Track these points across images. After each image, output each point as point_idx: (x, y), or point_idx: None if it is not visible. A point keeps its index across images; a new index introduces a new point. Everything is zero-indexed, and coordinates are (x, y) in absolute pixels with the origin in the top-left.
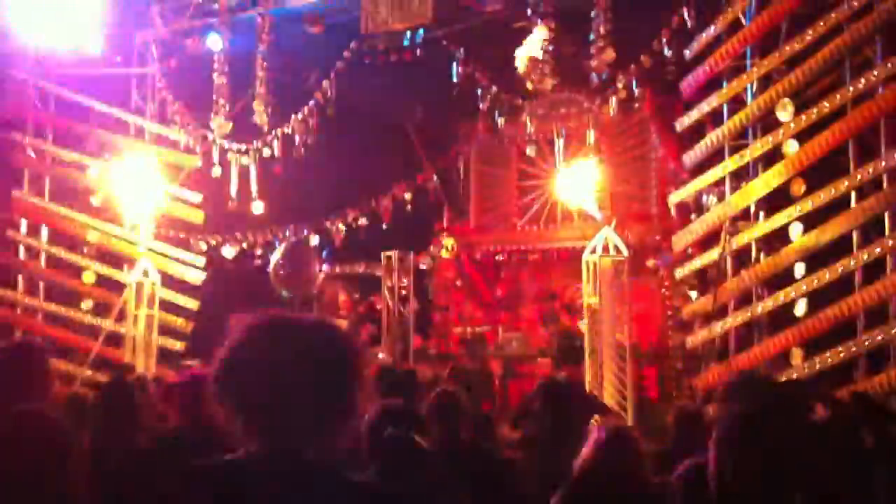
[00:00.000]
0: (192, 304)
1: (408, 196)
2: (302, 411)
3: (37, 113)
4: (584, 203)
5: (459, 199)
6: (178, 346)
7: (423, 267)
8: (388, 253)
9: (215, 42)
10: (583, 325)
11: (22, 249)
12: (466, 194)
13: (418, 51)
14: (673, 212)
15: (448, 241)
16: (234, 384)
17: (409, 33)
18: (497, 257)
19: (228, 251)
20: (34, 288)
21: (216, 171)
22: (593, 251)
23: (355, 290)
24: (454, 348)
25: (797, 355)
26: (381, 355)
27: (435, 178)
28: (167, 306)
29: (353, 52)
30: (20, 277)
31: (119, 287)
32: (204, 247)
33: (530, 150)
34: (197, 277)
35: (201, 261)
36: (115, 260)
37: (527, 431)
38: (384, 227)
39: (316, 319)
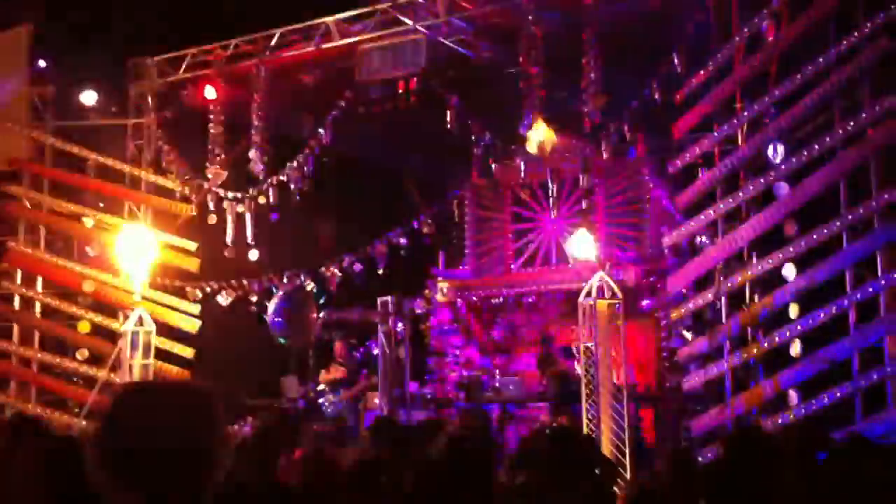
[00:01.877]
0: (187, 352)
1: (403, 241)
2: (172, 470)
3: (33, 164)
4: (579, 249)
5: (454, 244)
6: None
7: (418, 311)
8: (384, 298)
9: (211, 92)
10: (579, 368)
11: (17, 299)
12: (461, 238)
13: (412, 98)
14: (667, 253)
15: (443, 285)
16: (110, 449)
17: (402, 81)
18: (493, 300)
19: (224, 299)
20: (29, 338)
21: (212, 219)
22: (588, 294)
23: (352, 335)
24: (451, 393)
25: (793, 397)
26: (376, 401)
27: (429, 222)
28: (163, 355)
29: (347, 100)
30: (15, 328)
31: (114, 336)
32: (199, 295)
33: (524, 194)
34: (193, 325)
35: (197, 309)
36: (111, 309)
37: (525, 477)
38: (380, 272)
39: (178, 382)
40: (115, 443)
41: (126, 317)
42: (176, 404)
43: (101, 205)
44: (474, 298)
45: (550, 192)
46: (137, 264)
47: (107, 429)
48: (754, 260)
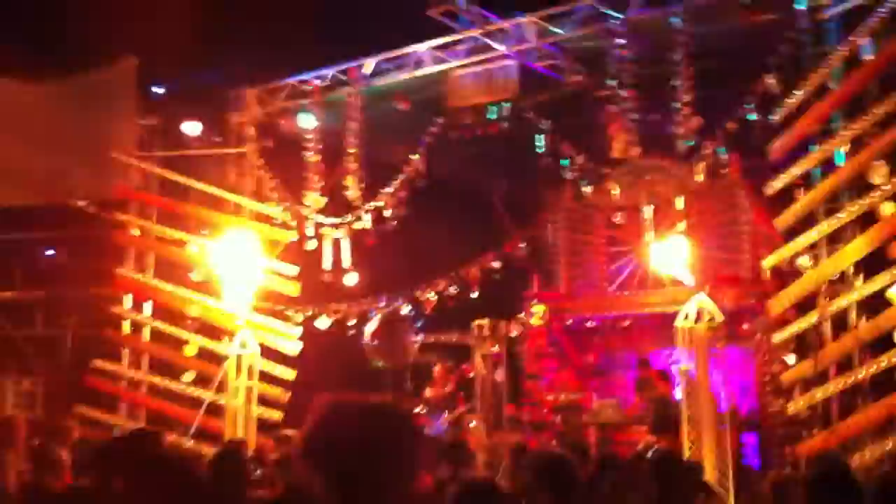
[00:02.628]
0: (289, 374)
1: (496, 264)
2: (373, 480)
3: (140, 193)
4: (675, 271)
5: (548, 267)
6: (276, 416)
7: (513, 335)
8: (480, 321)
9: (308, 121)
10: (678, 392)
11: (126, 324)
12: (555, 261)
13: (504, 123)
14: (767, 276)
15: (538, 309)
16: (316, 459)
17: (493, 107)
18: (588, 324)
19: (323, 322)
20: (138, 361)
21: (311, 245)
22: (686, 317)
23: (448, 358)
24: (547, 416)
25: None
26: (473, 423)
27: (523, 245)
28: (265, 377)
29: (440, 126)
30: (124, 351)
31: (219, 359)
32: (300, 318)
33: (618, 217)
34: (294, 348)
35: (298, 332)
36: (216, 332)
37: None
38: (474, 295)
39: (379, 401)
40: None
41: (231, 340)
42: (384, 426)
43: (205, 232)
44: (569, 322)
45: (645, 214)
46: (238, 277)
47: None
48: (858, 282)
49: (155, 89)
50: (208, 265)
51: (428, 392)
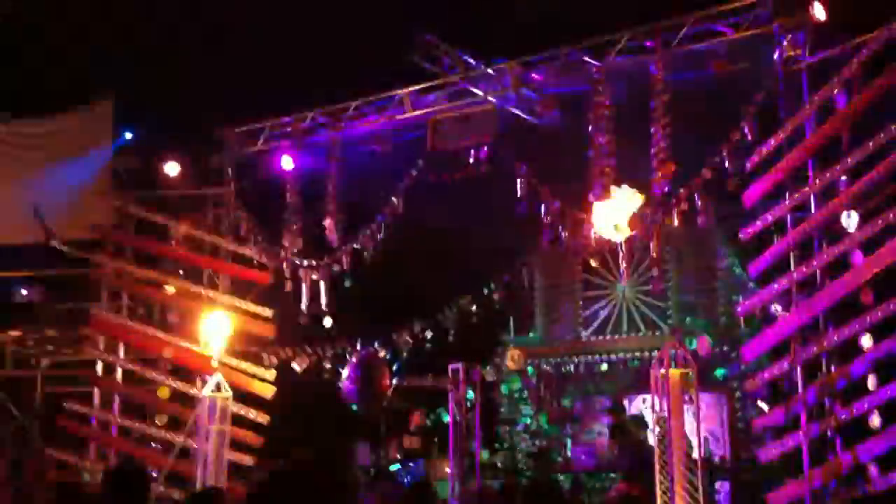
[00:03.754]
0: (262, 418)
1: (473, 308)
2: None
3: (116, 232)
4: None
5: (524, 311)
6: (248, 460)
7: (489, 379)
8: (455, 365)
9: (287, 162)
10: (652, 438)
11: (99, 365)
12: (531, 306)
13: (482, 167)
14: (741, 322)
15: (514, 353)
16: None
17: (472, 150)
18: (563, 368)
19: (298, 365)
20: (109, 402)
21: (288, 286)
22: (661, 362)
23: (423, 403)
24: (522, 462)
25: (872, 470)
26: (447, 470)
27: (500, 290)
28: (238, 420)
29: (419, 169)
30: (96, 392)
31: (192, 402)
32: (275, 361)
33: (594, 261)
34: (267, 391)
35: (272, 375)
36: (189, 375)
37: None
38: (450, 339)
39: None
40: None
41: (204, 382)
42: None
43: (182, 272)
44: (545, 366)
45: (621, 259)
46: (216, 329)
47: None
48: (830, 329)
49: (130, 132)
50: (184, 306)
51: (405, 440)
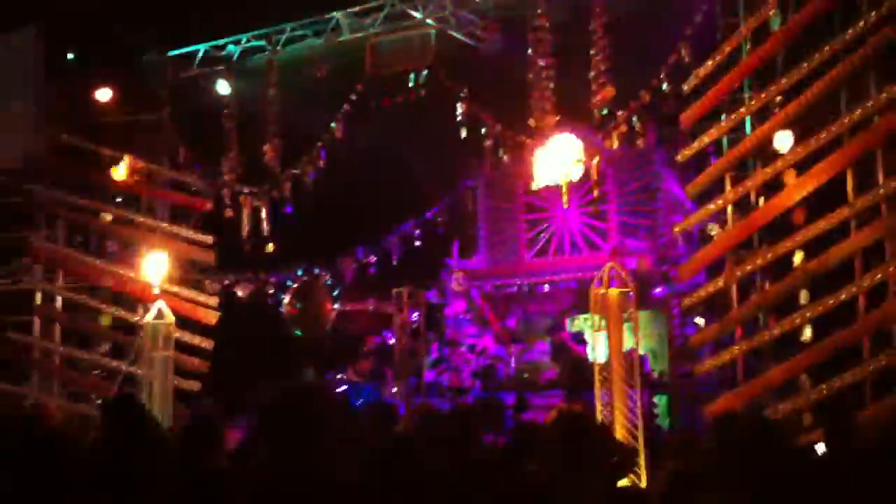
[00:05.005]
0: (207, 343)
1: (417, 232)
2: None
3: (49, 160)
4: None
5: (468, 234)
6: (194, 386)
7: (433, 302)
8: (399, 289)
9: (224, 87)
10: (592, 355)
11: (38, 294)
12: (475, 228)
13: (422, 91)
14: (679, 241)
15: (458, 275)
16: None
17: (412, 74)
18: (507, 290)
19: (241, 291)
20: (51, 332)
21: (228, 214)
22: (600, 282)
23: (368, 326)
24: (467, 382)
25: (804, 381)
26: (394, 390)
27: (443, 213)
28: (183, 347)
29: (358, 93)
30: (36, 321)
31: (135, 329)
32: (218, 287)
33: (535, 184)
34: (211, 318)
35: (215, 301)
36: (131, 303)
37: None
38: (394, 263)
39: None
40: None
41: (146, 310)
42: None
43: (119, 200)
44: (488, 288)
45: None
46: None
47: None
48: (764, 247)
49: (61, 59)
50: (122, 234)
51: (359, 363)
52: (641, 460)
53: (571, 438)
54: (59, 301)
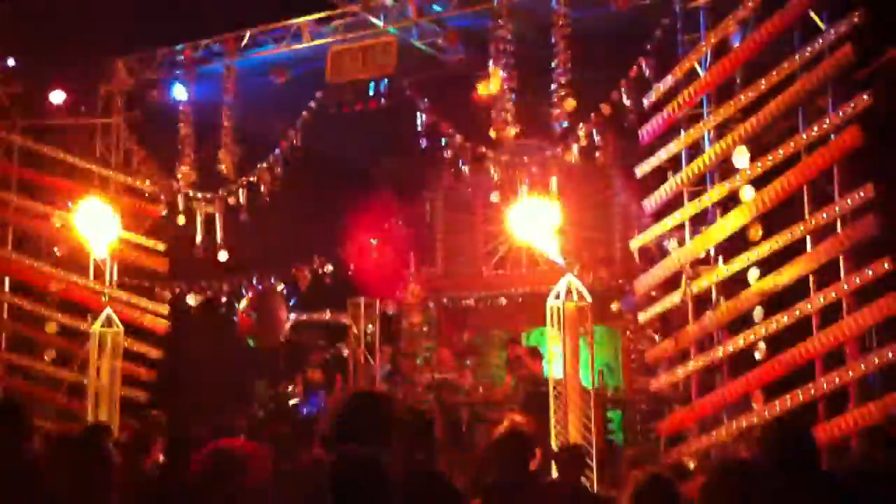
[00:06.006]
0: (155, 353)
1: (374, 242)
2: None
3: (1, 163)
4: (544, 246)
5: (426, 245)
6: (141, 397)
7: (390, 313)
8: (355, 300)
9: (180, 92)
10: (547, 371)
11: None
12: (433, 240)
13: (383, 100)
14: (636, 256)
15: (415, 288)
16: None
17: (373, 83)
18: (464, 302)
19: (193, 299)
20: None
21: (181, 220)
22: (557, 296)
23: (322, 337)
24: (422, 395)
25: (758, 398)
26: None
27: (401, 224)
28: (131, 356)
29: (318, 101)
30: None
31: (82, 337)
32: (169, 295)
33: (495, 197)
34: (160, 326)
35: (165, 309)
36: (79, 310)
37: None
38: (350, 273)
39: None
40: None
41: (94, 318)
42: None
43: (70, 204)
44: (445, 300)
45: (521, 194)
46: (106, 263)
47: None
48: (720, 263)
49: (12, 59)
50: (72, 240)
51: (308, 373)
52: (594, 475)
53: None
54: (4, 307)
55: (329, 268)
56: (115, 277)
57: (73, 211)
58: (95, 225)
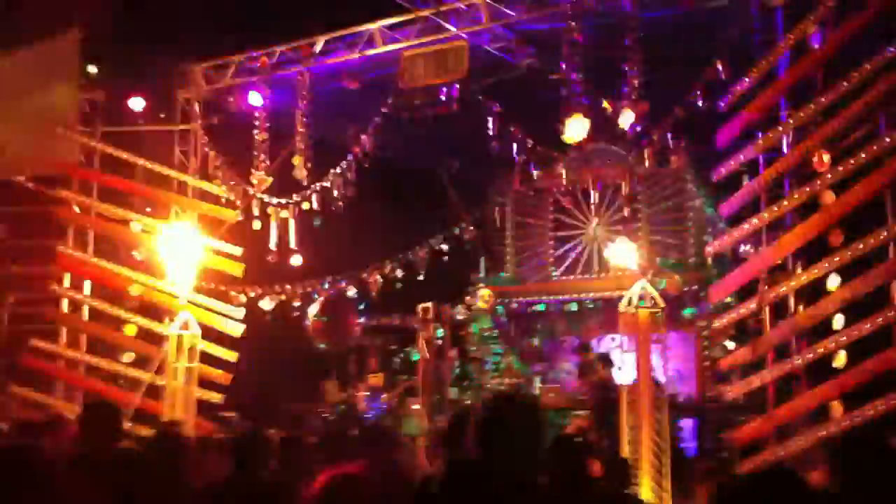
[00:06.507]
0: (230, 355)
1: (444, 247)
2: None
3: (82, 169)
4: (624, 262)
5: (496, 250)
6: (216, 398)
7: (459, 318)
8: (425, 304)
9: (256, 99)
10: (619, 377)
11: (65, 302)
12: (502, 245)
13: (454, 105)
14: (710, 262)
15: (484, 292)
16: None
17: (444, 88)
18: (533, 308)
19: (267, 303)
20: (76, 341)
21: (256, 225)
22: (630, 302)
23: (392, 342)
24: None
25: (836, 408)
26: (415, 407)
27: (471, 229)
28: (206, 358)
29: (390, 107)
30: (63, 330)
31: (160, 340)
32: (243, 299)
33: (566, 201)
34: (236, 329)
35: (241, 313)
36: (157, 313)
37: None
38: (420, 278)
39: None
40: None
41: (171, 320)
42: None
43: (148, 209)
44: (515, 305)
45: (592, 199)
46: (182, 264)
47: None
48: (799, 269)
49: (96, 65)
50: (151, 244)
51: (370, 378)
52: (667, 483)
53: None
54: (85, 310)
55: (399, 272)
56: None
57: (151, 215)
58: (180, 247)
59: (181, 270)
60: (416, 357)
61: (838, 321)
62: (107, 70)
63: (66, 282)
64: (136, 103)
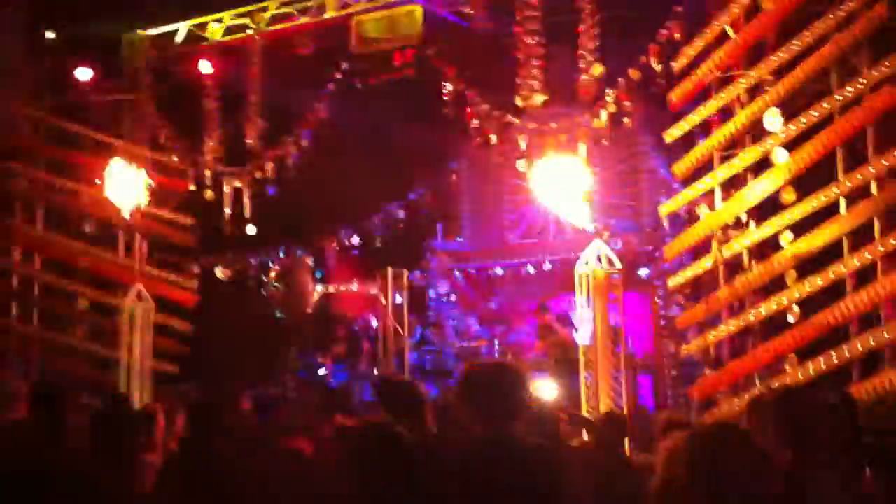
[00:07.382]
0: (185, 327)
1: (401, 213)
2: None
3: (28, 140)
4: (571, 211)
5: (452, 215)
6: (172, 369)
7: (417, 283)
8: (383, 270)
9: (205, 66)
10: (577, 337)
11: (14, 278)
12: (459, 210)
13: (408, 70)
14: (665, 222)
15: (442, 257)
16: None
17: (398, 52)
18: (490, 272)
19: (221, 273)
20: (29, 315)
21: (209, 195)
22: (586, 263)
23: (350, 308)
24: (450, 364)
25: (791, 361)
26: (376, 372)
27: (427, 194)
28: (161, 330)
29: (343, 72)
30: (13, 305)
31: (114, 312)
32: (197, 270)
33: (521, 165)
34: (190, 300)
35: (194, 283)
36: (110, 285)
37: None
38: (377, 244)
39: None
40: None
41: (125, 293)
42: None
43: (98, 181)
44: (472, 270)
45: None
46: (135, 239)
47: None
48: (752, 227)
49: (46, 34)
50: (100, 216)
51: (334, 346)
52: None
53: None
54: (35, 284)
55: (356, 239)
56: (144, 253)
57: (100, 187)
58: (124, 187)
59: (131, 235)
60: (375, 324)
61: (791, 277)
62: (52, 40)
63: (16, 256)
64: (84, 73)
